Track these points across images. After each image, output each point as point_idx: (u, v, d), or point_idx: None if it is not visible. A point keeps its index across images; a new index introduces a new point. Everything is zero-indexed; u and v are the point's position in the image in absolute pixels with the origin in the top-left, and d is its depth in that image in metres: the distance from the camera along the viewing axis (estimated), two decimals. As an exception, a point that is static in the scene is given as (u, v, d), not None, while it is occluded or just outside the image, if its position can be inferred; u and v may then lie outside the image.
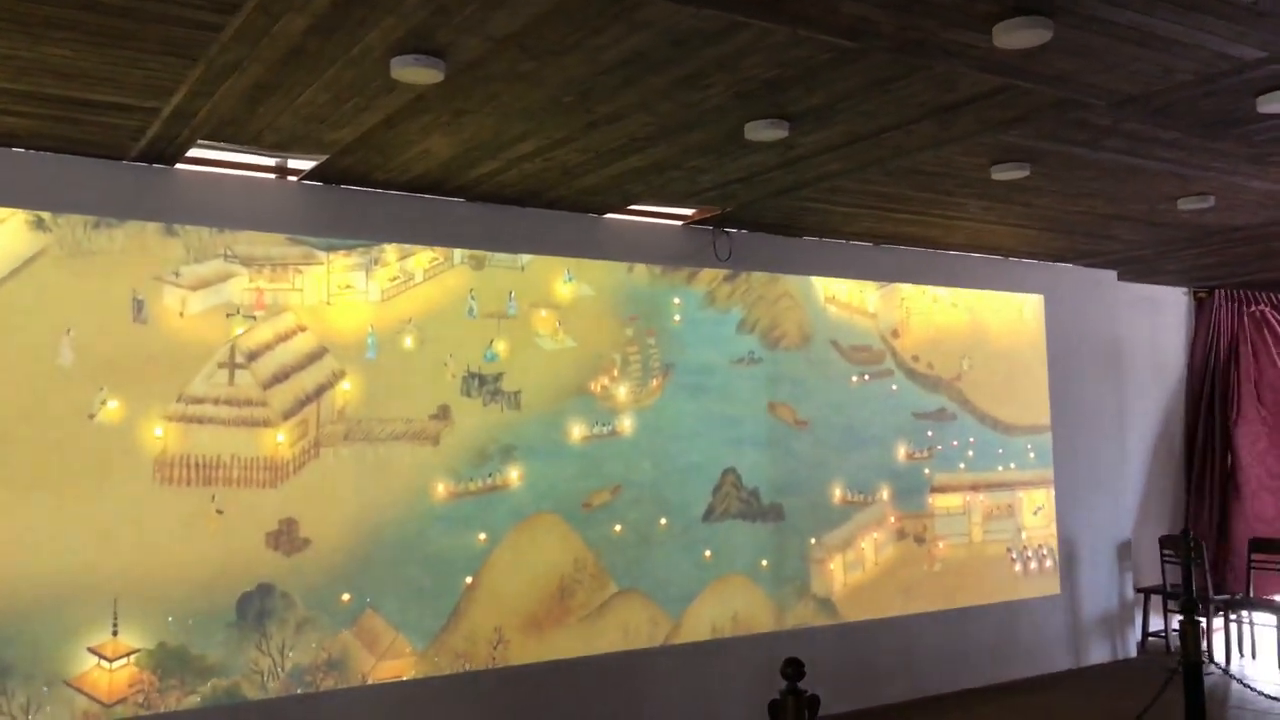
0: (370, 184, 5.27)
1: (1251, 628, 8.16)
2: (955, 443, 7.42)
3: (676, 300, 6.32)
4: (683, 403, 6.27)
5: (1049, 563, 7.82)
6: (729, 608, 6.32)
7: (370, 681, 5.17)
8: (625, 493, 6.00)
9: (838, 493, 6.83)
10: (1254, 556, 8.39)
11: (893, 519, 7.06)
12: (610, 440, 6.01)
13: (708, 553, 6.25)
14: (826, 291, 6.94)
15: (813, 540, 6.70)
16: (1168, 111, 4.26)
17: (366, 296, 5.34)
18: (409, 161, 4.88)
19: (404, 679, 5.26)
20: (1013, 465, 7.71)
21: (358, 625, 5.16)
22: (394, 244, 5.43)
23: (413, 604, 5.31)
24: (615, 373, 6.05)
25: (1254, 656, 8.04)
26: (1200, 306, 9.30)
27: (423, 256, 5.53)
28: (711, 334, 6.43)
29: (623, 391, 6.06)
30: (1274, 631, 7.83)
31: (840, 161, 4.97)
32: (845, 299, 7.02)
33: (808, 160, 4.93)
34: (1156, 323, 9.15)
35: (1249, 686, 6.07)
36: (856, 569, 6.86)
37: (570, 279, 5.97)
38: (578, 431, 5.90)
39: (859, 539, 6.90)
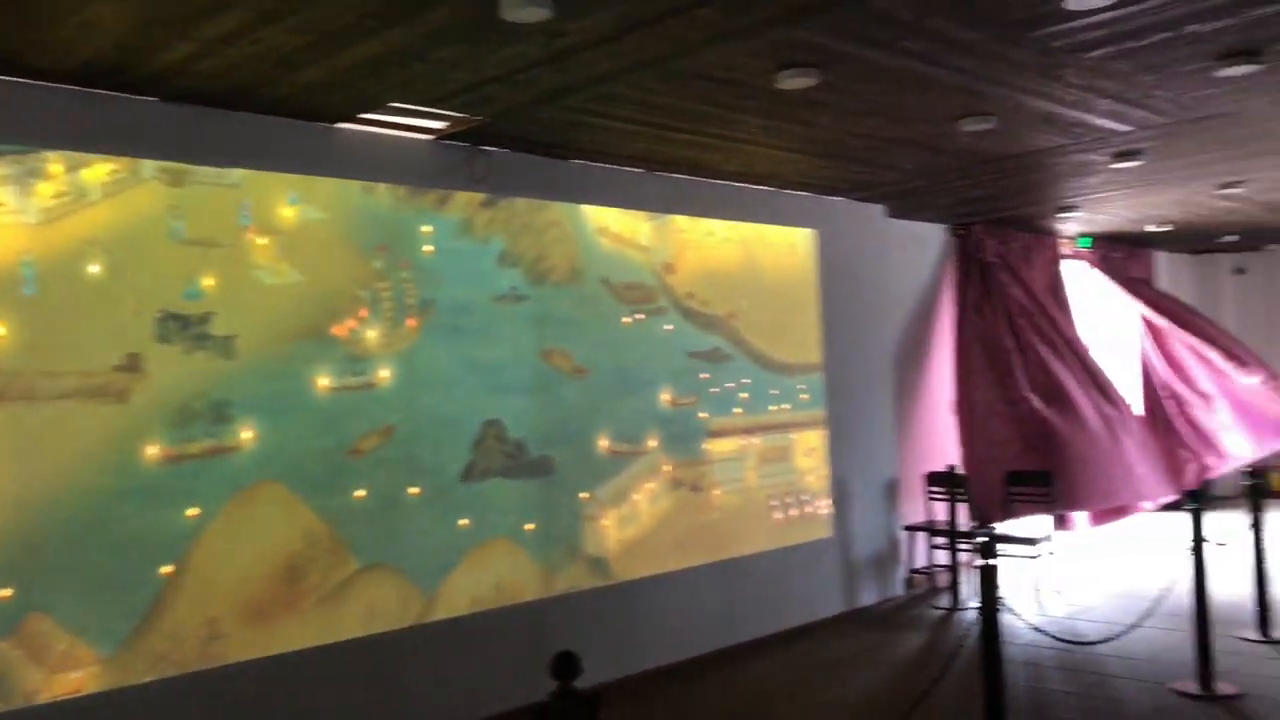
0: (21, 72, 4.11)
1: (1009, 560, 8.28)
2: (730, 384, 6.99)
3: (426, 228, 5.47)
4: (439, 346, 5.46)
5: (822, 505, 7.59)
6: (491, 576, 5.61)
7: (40, 701, 4.11)
8: (371, 453, 5.15)
9: (610, 442, 6.23)
10: (1011, 489, 8.51)
11: (668, 467, 6.55)
12: (361, 393, 5.13)
13: (465, 519, 5.50)
14: (597, 222, 6.28)
15: (584, 495, 6.08)
16: (973, 3, 3.81)
17: (21, 217, 4.19)
18: (70, 41, 3.78)
19: (86, 693, 4.22)
20: (787, 406, 7.38)
21: (19, 632, 4.08)
22: (59, 151, 4.29)
23: (96, 600, 4.26)
24: (364, 312, 5.16)
25: (1009, 586, 8.16)
26: (959, 243, 9.34)
27: (100, 168, 4.41)
28: (469, 267, 5.64)
29: (373, 334, 5.19)
30: (1030, 562, 7.95)
31: (614, 58, 4.27)
32: (617, 230, 6.38)
33: (577, 55, 4.20)
34: (922, 259, 9.11)
35: (1018, 616, 6.02)
36: (631, 524, 6.31)
37: (295, 201, 5.00)
38: (320, 382, 4.98)
39: (633, 491, 6.35)
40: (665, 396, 6.56)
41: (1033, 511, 8.41)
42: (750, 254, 7.19)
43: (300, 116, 4.94)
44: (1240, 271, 12.83)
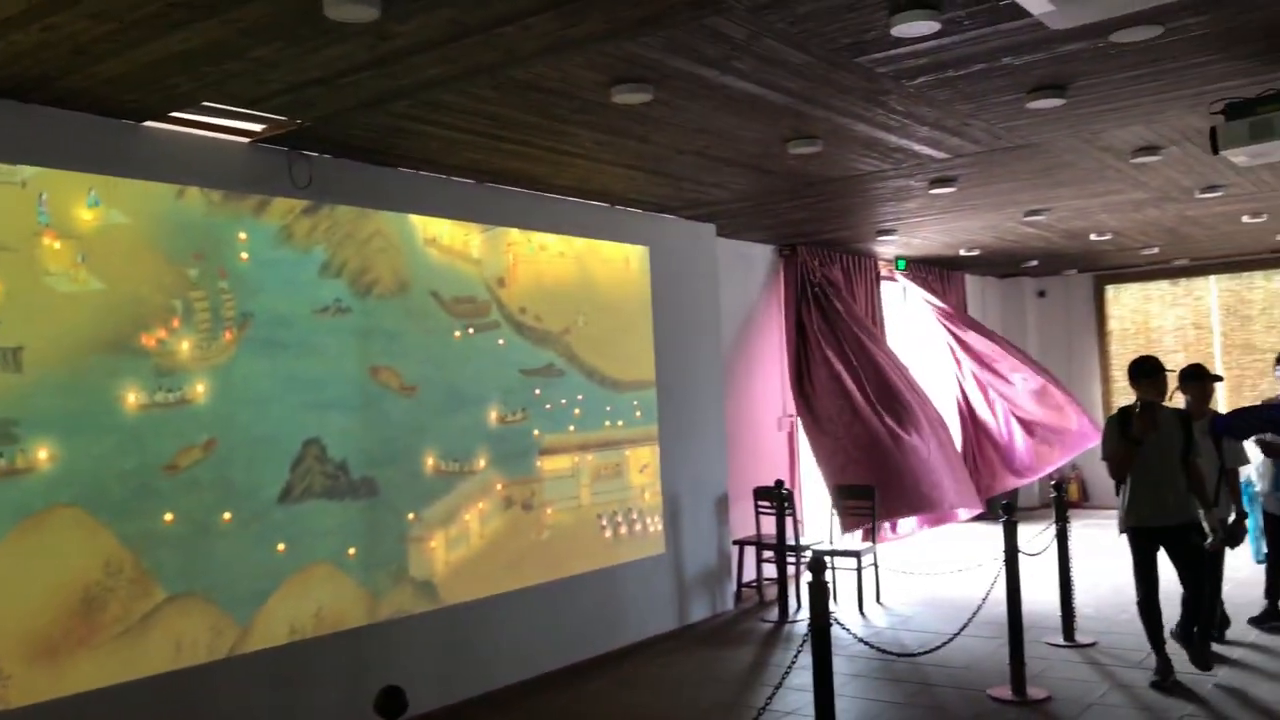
0: None
1: (834, 573, 8.48)
2: (564, 401, 6.90)
3: (243, 235, 5.17)
4: (257, 360, 5.16)
5: (655, 522, 7.58)
6: (311, 603, 5.33)
7: None
8: (182, 474, 4.81)
9: (439, 461, 6.04)
10: (845, 503, 8.74)
11: (499, 486, 6.40)
12: (173, 409, 4.78)
13: (283, 543, 5.21)
14: (426, 232, 6.09)
15: (411, 516, 5.87)
16: (804, 23, 3.87)
17: None
18: None
19: None
20: (620, 423, 7.35)
21: None
22: None
23: None
24: (176, 323, 4.82)
25: (835, 600, 8.35)
26: (785, 263, 9.56)
27: None
28: (289, 277, 5.36)
29: (186, 347, 4.85)
30: (853, 574, 8.17)
31: (443, 64, 4.13)
32: (447, 242, 6.21)
33: (405, 59, 4.04)
34: (751, 278, 9.28)
35: (845, 628, 6.15)
36: (460, 545, 6.13)
37: (96, 202, 4.63)
38: (127, 398, 4.62)
39: (463, 511, 6.17)
40: (497, 414, 6.42)
41: (859, 524, 8.65)
42: (584, 269, 7.14)
43: (103, 112, 4.58)
44: (1042, 295, 13.65)
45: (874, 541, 8.47)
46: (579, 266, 7.10)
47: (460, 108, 4.78)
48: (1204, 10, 3.89)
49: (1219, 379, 6.75)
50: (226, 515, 4.98)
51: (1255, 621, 6.85)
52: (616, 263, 7.40)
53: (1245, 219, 9.14)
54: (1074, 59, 4.45)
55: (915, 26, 3.83)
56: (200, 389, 4.92)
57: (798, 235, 9.13)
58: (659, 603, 7.57)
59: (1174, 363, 12.74)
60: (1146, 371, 5.78)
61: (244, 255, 5.16)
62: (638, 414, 7.49)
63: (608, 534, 7.18)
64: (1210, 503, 5.76)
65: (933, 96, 4.94)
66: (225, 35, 3.71)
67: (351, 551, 5.53)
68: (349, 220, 5.67)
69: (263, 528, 5.12)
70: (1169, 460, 5.68)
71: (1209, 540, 5.65)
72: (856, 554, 8.14)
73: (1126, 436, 5.69)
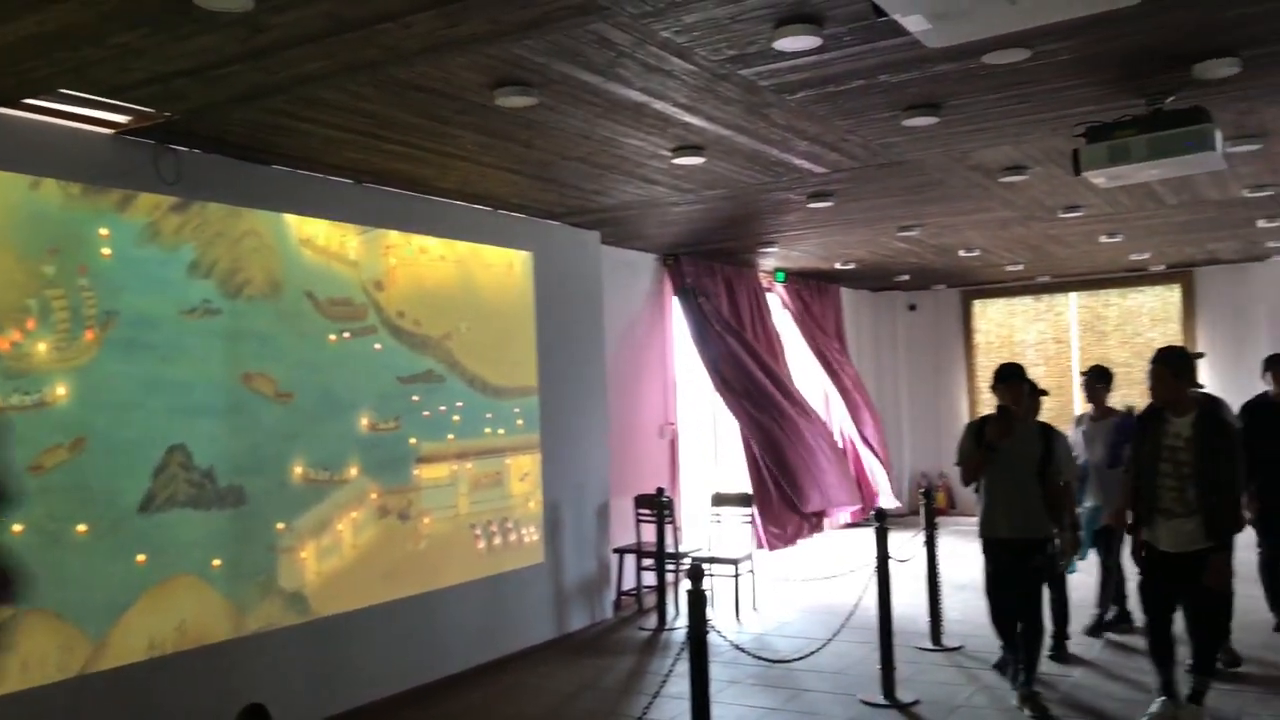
0: None
1: (713, 580, 8.55)
2: (443, 408, 6.78)
3: (104, 231, 4.92)
4: (120, 362, 4.91)
5: (535, 531, 7.51)
6: (173, 617, 5.09)
7: None
8: (35, 481, 4.53)
9: (311, 469, 5.85)
10: (714, 510, 8.82)
11: (374, 495, 6.25)
12: (28, 413, 4.51)
13: (143, 554, 4.96)
14: (301, 233, 5.91)
15: (281, 526, 5.67)
16: (692, 33, 3.90)
17: None
18: None
19: None
20: (501, 431, 7.26)
21: None
22: None
23: None
24: (31, 323, 4.54)
25: (713, 608, 8.42)
26: (668, 273, 9.63)
27: None
28: (155, 276, 5.12)
29: (43, 348, 4.58)
30: (731, 581, 8.25)
31: (321, 59, 4.01)
32: (323, 243, 6.04)
33: (281, 53, 3.91)
34: (635, 287, 9.31)
35: (722, 636, 6.21)
36: (333, 555, 5.96)
37: (-60, 192, 4.34)
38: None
39: (336, 520, 5.99)
40: (371, 421, 6.26)
41: (737, 532, 8.74)
42: (466, 274, 7.03)
43: (-52, 97, 4.31)
44: (912, 308, 14.08)
45: (754, 547, 8.57)
46: (461, 271, 6.99)
47: (339, 105, 4.65)
48: (1069, 36, 4.06)
49: (1043, 392, 6.38)
50: (81, 526, 4.72)
51: (1090, 631, 7.01)
52: (500, 268, 7.32)
53: (1103, 238, 9.60)
54: (947, 79, 4.59)
55: (798, 41, 3.90)
56: (61, 391, 4.66)
57: (680, 245, 9.20)
58: (538, 612, 7.50)
59: (1034, 377, 13.39)
60: (1003, 376, 5.69)
61: (106, 252, 4.91)
62: (519, 422, 7.42)
63: (486, 543, 7.08)
64: (1066, 521, 5.70)
65: (813, 111, 5.04)
66: (85, 19, 3.52)
67: (216, 563, 5.31)
68: (220, 218, 5.45)
69: (121, 538, 4.87)
70: (1022, 471, 5.53)
71: (1062, 563, 5.68)
72: (734, 561, 8.22)
73: (979, 442, 5.60)
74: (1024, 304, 13.72)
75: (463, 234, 7.00)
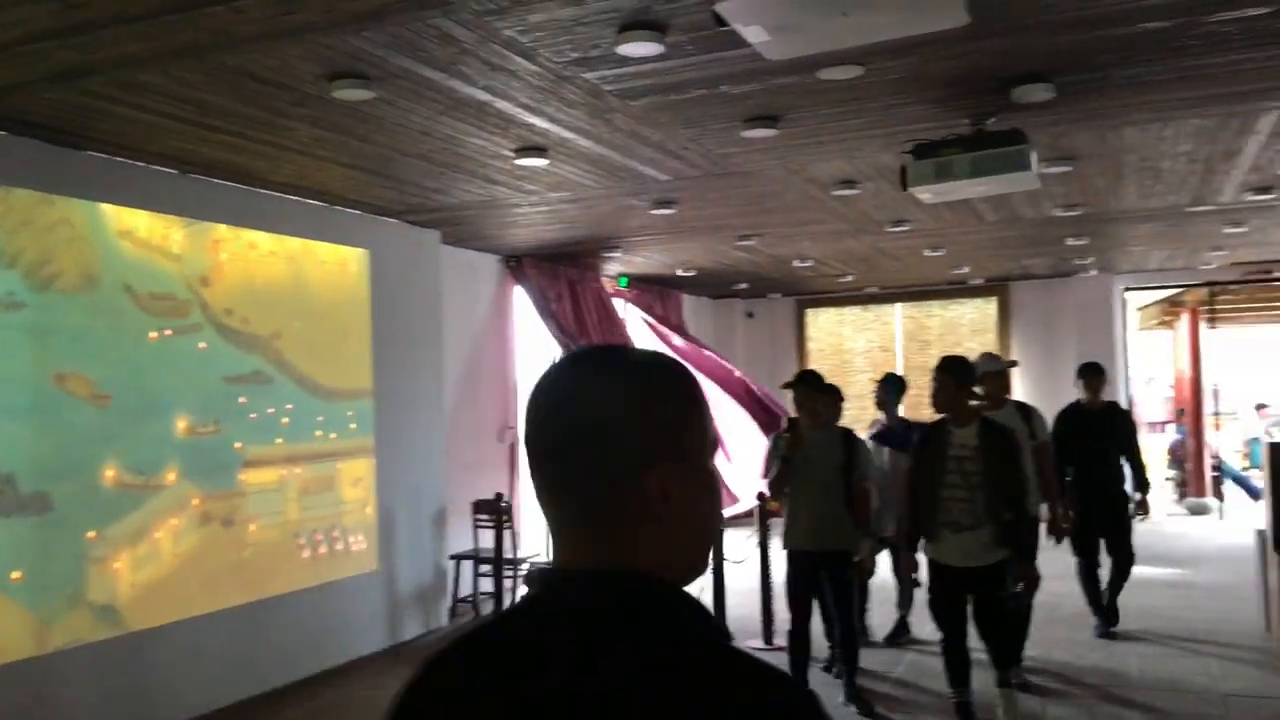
0: None
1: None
2: (271, 410, 6.52)
3: (-111, 215, 4.52)
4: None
5: (368, 537, 7.31)
6: (-33, 634, 4.72)
7: None
8: None
9: (125, 474, 5.52)
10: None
11: (195, 501, 5.95)
12: None
13: (-65, 563, 4.58)
14: (120, 224, 5.57)
15: (92, 534, 5.33)
16: (536, 34, 3.87)
17: None
18: None
19: None
20: (333, 434, 7.03)
21: None
22: None
23: None
24: None
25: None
26: (511, 275, 9.55)
27: None
28: (-53, 266, 4.73)
29: None
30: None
31: (144, 40, 3.79)
32: (144, 235, 5.71)
33: (99, 31, 3.67)
34: (476, 288, 9.19)
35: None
36: (149, 565, 5.64)
37: None
38: None
39: (153, 528, 5.67)
40: (192, 423, 5.96)
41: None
42: (299, 271, 6.78)
43: None
44: (750, 315, 14.42)
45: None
46: (293, 268, 6.74)
47: (163, 90, 4.41)
48: (899, 55, 4.23)
49: (834, 392, 5.83)
50: None
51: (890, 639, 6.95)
52: (333, 265, 7.09)
53: (927, 252, 10.06)
54: (786, 92, 4.71)
55: (640, 47, 3.92)
56: None
57: (524, 247, 9.14)
58: (369, 622, 7.29)
59: (860, 384, 13.94)
60: (796, 382, 5.69)
61: (-109, 238, 4.51)
62: (352, 425, 7.20)
63: (316, 551, 6.84)
64: (869, 530, 5.62)
65: (656, 118, 5.08)
66: (-128, -18, 3.22)
67: (16, 575, 4.94)
68: (27, 205, 5.09)
69: (-94, 550, 4.48)
70: (823, 480, 5.43)
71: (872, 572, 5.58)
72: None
73: (785, 459, 5.52)
74: (853, 313, 14.24)
75: (295, 229, 6.75)
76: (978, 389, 5.47)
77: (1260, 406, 15.76)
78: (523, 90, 4.55)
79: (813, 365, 14.07)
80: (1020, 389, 12.62)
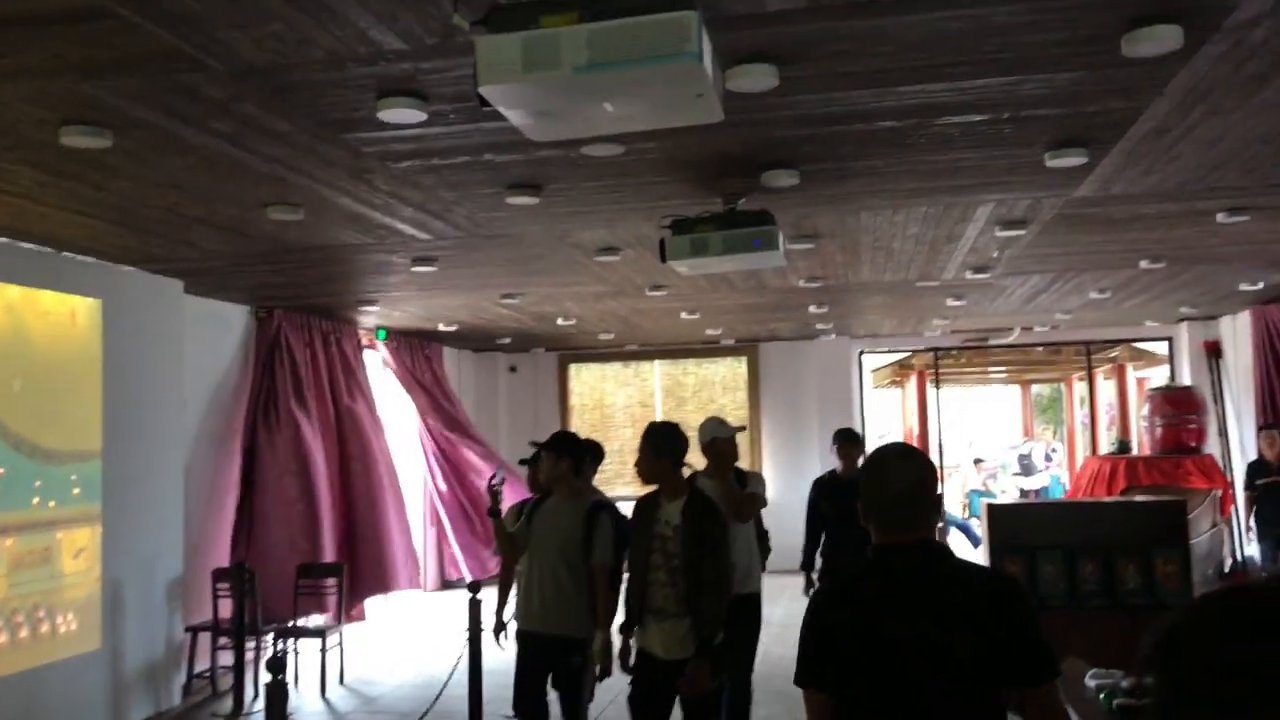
0: None
1: (297, 656, 8.07)
2: (-20, 476, 5.88)
3: None
4: None
5: (86, 614, 6.68)
6: None
7: None
8: None
9: None
10: (301, 582, 8.37)
11: (-118, 581, 5.25)
12: None
13: None
14: None
15: None
16: (290, 95, 3.74)
17: None
18: None
19: None
20: (53, 502, 6.41)
21: None
22: None
23: None
24: None
25: (296, 683, 7.94)
26: (260, 326, 9.10)
27: None
28: None
29: None
30: (318, 655, 7.85)
31: None
32: None
33: None
34: (222, 341, 8.68)
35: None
36: None
37: None
38: None
39: None
40: (-116, 491, 5.28)
41: (323, 604, 8.34)
42: (18, 322, 6.18)
43: None
44: (513, 370, 14.39)
45: (341, 620, 8.22)
46: (11, 318, 6.13)
47: None
48: (658, 138, 4.38)
49: (593, 451, 5.51)
50: None
51: None
52: (59, 316, 6.52)
53: (683, 315, 10.40)
54: (549, 164, 4.77)
55: (402, 114, 3.86)
56: None
57: (275, 298, 8.74)
58: (89, 708, 6.63)
59: (622, 439, 14.16)
60: (547, 445, 5.12)
61: None
62: (76, 490, 6.59)
63: (25, 632, 6.18)
64: (605, 618, 4.75)
65: (418, 181, 5.01)
66: None
67: None
68: None
69: None
70: (554, 556, 4.82)
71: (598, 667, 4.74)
72: (321, 633, 7.84)
73: (493, 513, 5.09)
74: (615, 369, 14.50)
75: (13, 277, 6.16)
76: (682, 462, 4.56)
77: (978, 461, 17.23)
78: (278, 146, 4.38)
79: (575, 420, 14.23)
80: (768, 444, 13.28)
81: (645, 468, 4.51)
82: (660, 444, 4.49)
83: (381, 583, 9.65)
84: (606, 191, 5.31)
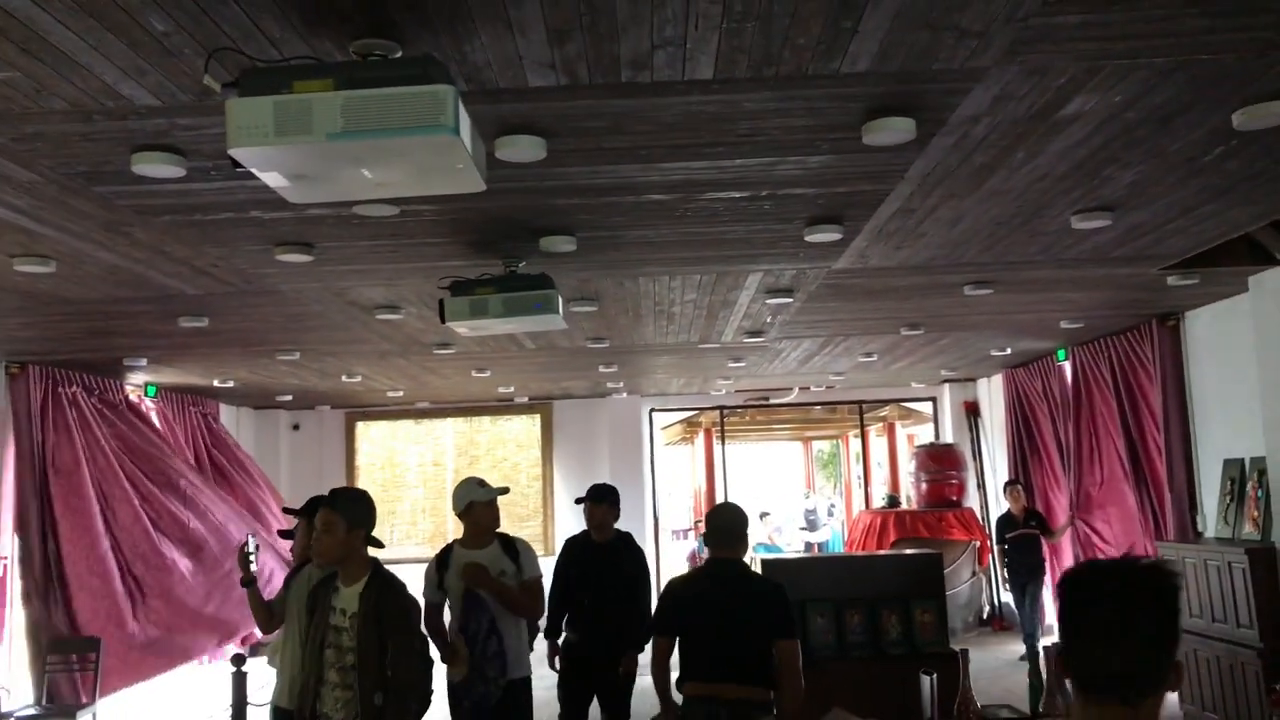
0: None
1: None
2: None
3: None
4: None
5: None
6: None
7: None
8: None
9: None
10: (49, 658, 7.75)
11: None
12: None
13: None
14: None
15: None
16: (31, 144, 3.54)
17: None
18: None
19: None
20: None
21: None
22: None
23: None
24: None
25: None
26: (13, 381, 8.43)
27: None
28: None
29: None
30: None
31: None
32: None
33: None
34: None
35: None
36: None
37: None
38: None
39: None
40: None
41: (75, 682, 7.73)
42: None
43: None
44: (296, 428, 13.87)
45: (95, 699, 7.63)
46: None
47: None
48: (434, 201, 4.39)
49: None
50: None
51: None
52: None
53: (474, 373, 10.34)
54: (320, 222, 4.68)
55: (158, 169, 3.72)
56: None
57: (28, 353, 8.13)
58: None
59: (413, 499, 13.88)
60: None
61: None
62: None
63: None
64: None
65: (181, 235, 4.81)
66: None
67: None
68: None
69: None
70: (295, 631, 4.42)
71: None
72: (73, 711, 7.25)
73: (246, 582, 4.83)
74: (406, 427, 14.22)
75: None
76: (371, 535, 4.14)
77: (763, 515, 17.82)
78: (20, 197, 4.12)
79: (364, 479, 13.82)
80: (560, 499, 13.31)
81: (330, 542, 3.89)
82: (357, 514, 3.97)
83: (157, 653, 9.01)
84: (384, 251, 5.26)
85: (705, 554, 4.56)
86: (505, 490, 5.37)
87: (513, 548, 5.21)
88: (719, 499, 14.75)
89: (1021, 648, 10.14)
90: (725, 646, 4.14)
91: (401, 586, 4.00)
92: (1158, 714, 1.70)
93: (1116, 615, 1.68)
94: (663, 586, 4.43)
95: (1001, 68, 3.19)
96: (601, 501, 6.07)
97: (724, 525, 4.36)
